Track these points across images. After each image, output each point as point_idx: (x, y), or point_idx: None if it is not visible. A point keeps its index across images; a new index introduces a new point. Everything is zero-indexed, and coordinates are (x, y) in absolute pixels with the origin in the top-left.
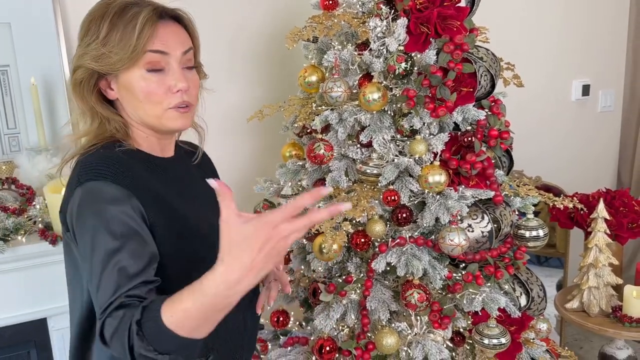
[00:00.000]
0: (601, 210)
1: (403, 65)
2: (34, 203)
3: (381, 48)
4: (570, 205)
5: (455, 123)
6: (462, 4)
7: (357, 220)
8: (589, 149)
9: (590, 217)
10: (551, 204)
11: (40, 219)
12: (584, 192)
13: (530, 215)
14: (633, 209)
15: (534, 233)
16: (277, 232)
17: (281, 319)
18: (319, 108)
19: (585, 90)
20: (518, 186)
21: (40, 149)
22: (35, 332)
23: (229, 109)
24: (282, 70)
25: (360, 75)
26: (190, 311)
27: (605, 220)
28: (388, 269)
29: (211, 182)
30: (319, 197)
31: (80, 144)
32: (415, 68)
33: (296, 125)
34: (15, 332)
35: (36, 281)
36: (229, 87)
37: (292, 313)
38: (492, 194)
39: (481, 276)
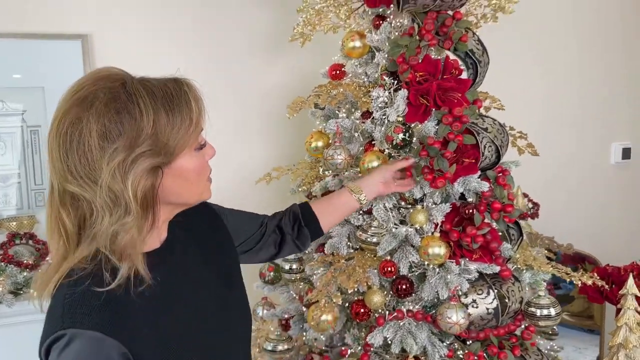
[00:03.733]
0: (631, 286)
1: (400, 136)
2: (48, 259)
3: (383, 117)
4: (589, 282)
5: (462, 193)
6: (464, 76)
7: (356, 289)
8: (631, 215)
9: (620, 292)
10: (568, 280)
11: None
12: (623, 263)
13: (542, 292)
14: None
15: (545, 312)
16: None
17: None
18: (325, 173)
19: (626, 153)
20: (534, 258)
21: None
22: None
23: (239, 167)
24: (295, 131)
25: (366, 142)
26: None
27: (636, 297)
28: (389, 342)
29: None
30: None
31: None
32: (415, 138)
33: (300, 189)
34: None
35: None
36: (240, 146)
37: None
38: (497, 268)
39: (484, 356)
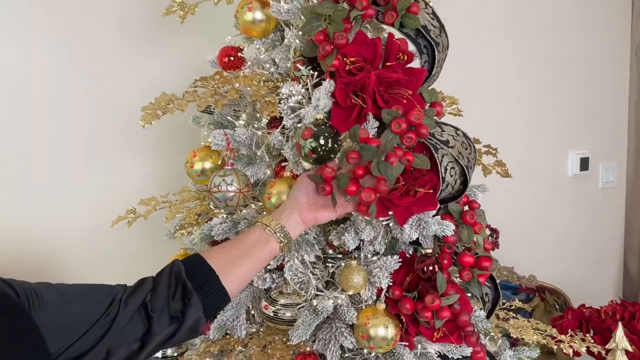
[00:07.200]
0: (620, 339)
1: (310, 143)
2: None
3: (298, 125)
4: (583, 350)
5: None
6: (416, 64)
7: None
8: (590, 234)
9: (607, 347)
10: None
11: None
12: (585, 286)
13: None
14: None
15: None
16: None
17: None
18: (215, 210)
19: (584, 164)
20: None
21: None
22: None
23: (96, 204)
24: (185, 146)
25: (276, 163)
26: None
27: (626, 351)
28: None
29: None
30: None
31: None
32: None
33: (179, 234)
34: None
35: None
36: (99, 172)
37: None
38: (468, 350)
39: None
